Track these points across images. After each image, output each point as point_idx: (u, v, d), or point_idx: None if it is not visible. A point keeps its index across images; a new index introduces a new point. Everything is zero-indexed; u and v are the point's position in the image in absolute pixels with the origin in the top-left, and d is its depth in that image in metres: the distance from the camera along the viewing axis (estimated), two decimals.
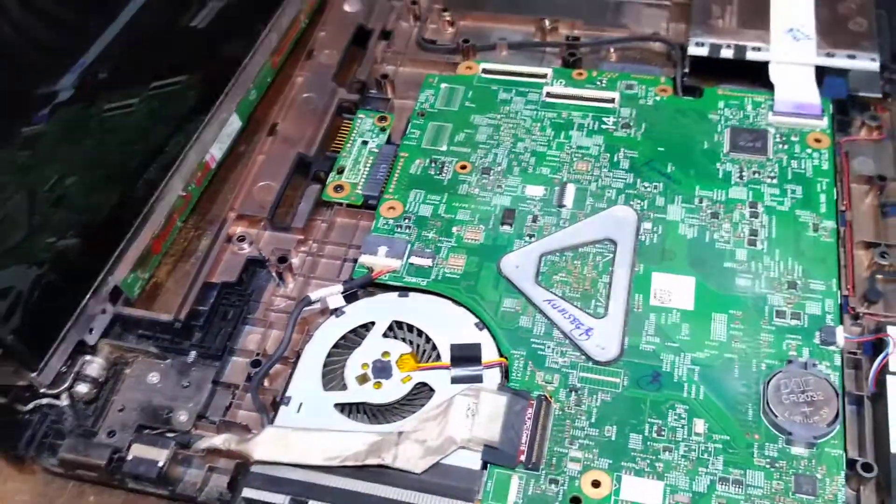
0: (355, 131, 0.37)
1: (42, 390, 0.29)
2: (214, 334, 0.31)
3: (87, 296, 0.30)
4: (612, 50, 0.39)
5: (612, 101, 0.36)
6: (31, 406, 0.29)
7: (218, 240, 0.33)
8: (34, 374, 0.28)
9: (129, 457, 0.28)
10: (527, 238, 0.32)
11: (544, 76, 0.37)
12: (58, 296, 0.29)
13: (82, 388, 0.29)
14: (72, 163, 0.31)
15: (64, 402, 0.29)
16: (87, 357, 0.30)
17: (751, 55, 0.36)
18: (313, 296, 0.30)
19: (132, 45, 0.33)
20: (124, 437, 0.28)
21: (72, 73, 0.32)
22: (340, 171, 0.35)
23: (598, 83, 0.37)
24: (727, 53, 0.36)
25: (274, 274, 0.32)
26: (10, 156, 0.29)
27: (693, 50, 0.37)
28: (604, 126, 0.35)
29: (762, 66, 0.36)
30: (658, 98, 0.36)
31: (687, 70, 0.36)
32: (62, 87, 0.31)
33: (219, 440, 0.27)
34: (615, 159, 0.34)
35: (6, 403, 0.28)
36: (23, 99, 0.29)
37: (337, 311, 0.30)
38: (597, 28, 0.40)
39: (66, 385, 0.29)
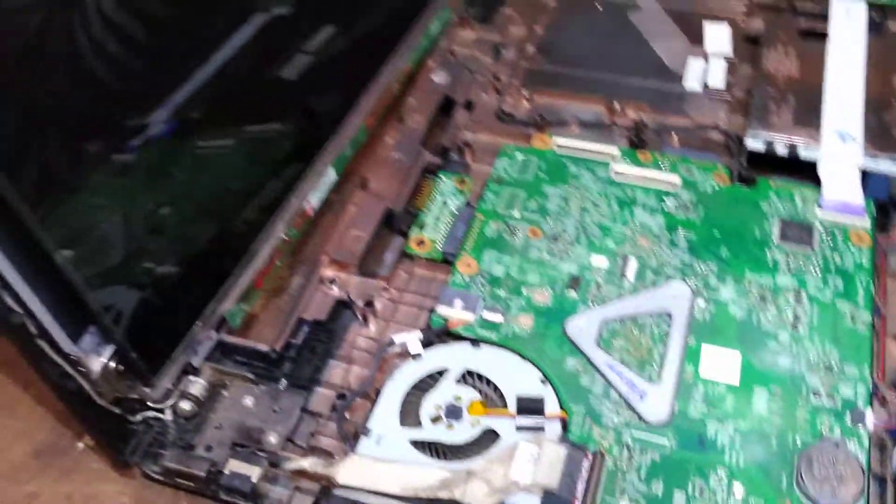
0: (437, 191, 0.40)
1: (151, 404, 0.33)
2: (304, 366, 0.34)
3: (198, 322, 0.33)
4: (674, 135, 0.43)
5: (674, 184, 0.40)
6: (139, 417, 0.33)
7: (311, 280, 0.37)
8: (147, 390, 0.32)
9: (226, 470, 0.31)
10: (590, 304, 0.35)
11: (612, 155, 0.41)
12: (174, 319, 0.33)
13: (185, 405, 0.33)
14: (165, 194, 0.34)
15: (168, 416, 0.33)
16: (192, 377, 0.33)
17: (802, 153, 0.39)
18: (396, 339, 0.34)
19: (229, 90, 0.36)
20: (220, 452, 0.32)
21: (166, 108, 0.35)
22: (422, 227, 0.39)
23: (661, 166, 0.40)
24: (781, 150, 0.40)
25: (359, 315, 0.36)
26: (104, 181, 0.31)
27: (750, 144, 0.40)
28: (665, 207, 0.39)
29: (812, 164, 0.39)
30: (715, 184, 0.39)
31: (743, 161, 0.40)
32: (155, 121, 0.35)
33: (306, 462, 0.31)
34: (674, 239, 0.37)
35: (119, 413, 0.32)
36: (118, 128, 0.31)
37: (414, 355, 0.34)
38: (662, 114, 0.44)
39: (171, 401, 0.33)
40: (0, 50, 0.26)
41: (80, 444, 0.35)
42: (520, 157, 0.42)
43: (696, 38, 0.48)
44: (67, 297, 0.29)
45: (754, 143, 0.40)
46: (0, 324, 0.27)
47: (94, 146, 0.30)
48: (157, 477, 0.32)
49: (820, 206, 0.38)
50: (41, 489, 0.33)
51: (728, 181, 0.40)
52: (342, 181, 0.40)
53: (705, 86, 0.45)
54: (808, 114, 0.41)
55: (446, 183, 0.41)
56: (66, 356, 0.29)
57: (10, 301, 0.27)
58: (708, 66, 0.46)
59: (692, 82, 0.45)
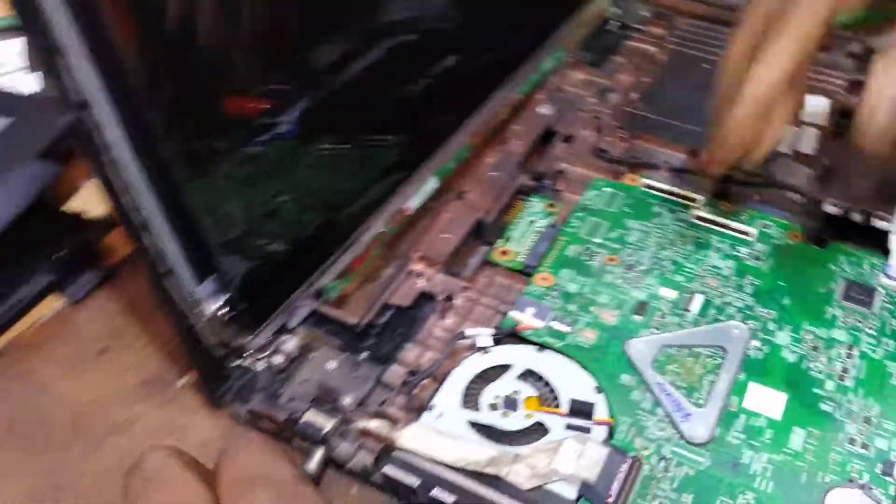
0: (526, 211, 0.44)
1: (249, 352, 0.37)
2: (384, 343, 0.38)
3: (300, 289, 0.38)
4: (757, 191, 0.45)
5: (750, 235, 0.42)
6: (237, 362, 0.37)
7: (401, 271, 0.41)
8: (250, 338, 0.36)
9: (303, 419, 0.35)
10: (653, 329, 0.38)
11: (695, 201, 0.44)
12: (279, 285, 0.38)
13: (277, 359, 0.37)
14: (285, 185, 0.39)
15: (261, 366, 0.37)
16: (286, 336, 0.38)
17: (876, 223, 0.41)
18: (468, 331, 0.38)
19: (353, 102, 0.41)
20: (300, 404, 0.36)
21: (294, 111, 0.40)
22: (507, 240, 0.43)
23: (741, 217, 0.43)
24: (856, 217, 0.42)
25: (439, 308, 0.40)
26: (232, 168, 0.35)
27: (828, 208, 0.42)
28: (738, 254, 0.41)
29: (884, 234, 0.41)
30: (789, 241, 0.42)
31: (819, 224, 0.42)
32: (284, 121, 0.40)
33: (373, 424, 0.34)
34: (741, 283, 0.40)
35: (221, 357, 0.37)
36: (250, 124, 0.35)
37: (484, 349, 0.37)
38: (749, 170, 0.46)
39: (266, 353, 0.37)
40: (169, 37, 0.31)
41: (182, 381, 0.39)
42: (608, 190, 0.45)
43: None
44: (198, 247, 0.33)
45: (833, 209, 0.42)
46: (140, 260, 0.32)
47: (231, 138, 0.35)
48: (243, 417, 0.37)
49: (886, 274, 0.40)
50: (141, 414, 0.38)
51: (802, 239, 0.42)
52: (441, 190, 0.44)
53: (795, 150, 0.47)
54: (888, 188, 0.43)
55: (536, 205, 0.45)
56: (189, 295, 0.34)
57: (154, 241, 0.32)
58: (801, 133, 0.48)
59: (783, 146, 0.47)
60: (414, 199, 0.43)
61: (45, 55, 0.27)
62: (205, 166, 0.33)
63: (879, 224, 0.41)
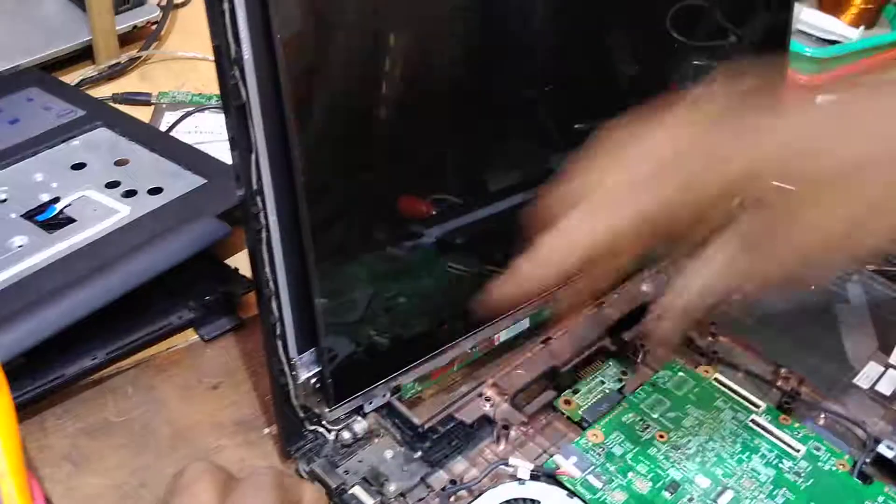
0: (601, 371, 0.49)
1: (324, 422, 0.43)
2: (439, 449, 0.43)
3: (381, 381, 0.44)
4: (822, 416, 0.47)
5: (798, 451, 0.44)
6: (313, 427, 0.43)
7: (472, 391, 0.46)
8: (327, 410, 0.43)
9: (350, 491, 0.41)
10: None
11: (758, 407, 0.47)
12: (367, 373, 0.44)
13: (346, 435, 0.43)
14: (408, 288, 0.45)
15: (331, 437, 0.43)
16: (359, 418, 0.44)
17: None
18: (511, 461, 0.42)
19: (490, 230, 0.47)
20: (352, 478, 0.42)
21: (447, 226, 0.46)
22: (575, 392, 0.47)
23: (796, 433, 0.45)
24: None
25: (495, 434, 0.45)
26: (374, 263, 0.42)
27: (883, 449, 0.44)
28: (780, 465, 0.44)
29: None
30: (835, 468, 0.44)
31: (868, 461, 0.44)
32: (434, 232, 0.46)
33: None
34: (774, 493, 0.42)
35: (302, 418, 0.43)
36: (406, 227, 0.43)
37: (520, 480, 0.42)
38: (820, 394, 0.49)
39: (339, 427, 0.43)
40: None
41: (266, 430, 0.46)
42: (681, 375, 0.49)
43: (887, 347, 0.52)
44: (310, 323, 0.40)
45: (887, 451, 0.44)
46: (262, 322, 0.39)
47: (383, 234, 0.42)
48: (304, 475, 0.43)
49: None
50: (227, 446, 0.45)
51: (847, 470, 0.44)
52: (530, 332, 0.50)
53: (872, 387, 0.49)
54: None
55: (611, 369, 0.49)
56: (289, 359, 0.40)
57: (274, 307, 0.39)
58: (884, 374, 0.50)
59: (863, 381, 0.50)
60: (505, 332, 0.49)
61: (240, 146, 0.35)
62: (347, 256, 0.40)
63: None
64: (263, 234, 0.37)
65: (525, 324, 0.50)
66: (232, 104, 0.34)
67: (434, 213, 0.44)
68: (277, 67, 0.34)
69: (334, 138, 0.37)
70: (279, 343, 0.40)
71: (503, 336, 0.49)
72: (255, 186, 0.36)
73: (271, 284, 0.38)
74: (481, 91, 0.43)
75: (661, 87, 0.54)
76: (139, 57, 0.76)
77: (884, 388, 0.49)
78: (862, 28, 0.78)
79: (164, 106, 0.71)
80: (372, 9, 0.37)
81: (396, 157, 0.41)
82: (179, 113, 0.69)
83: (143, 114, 0.70)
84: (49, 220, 0.52)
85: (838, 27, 0.78)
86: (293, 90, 0.34)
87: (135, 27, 0.77)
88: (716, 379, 0.48)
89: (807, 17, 0.78)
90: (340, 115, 0.37)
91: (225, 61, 0.33)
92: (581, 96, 0.48)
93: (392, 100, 0.39)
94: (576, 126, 0.47)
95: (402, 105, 0.39)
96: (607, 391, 0.47)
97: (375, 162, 0.40)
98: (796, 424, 0.46)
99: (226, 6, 0.32)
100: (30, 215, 0.52)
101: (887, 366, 0.51)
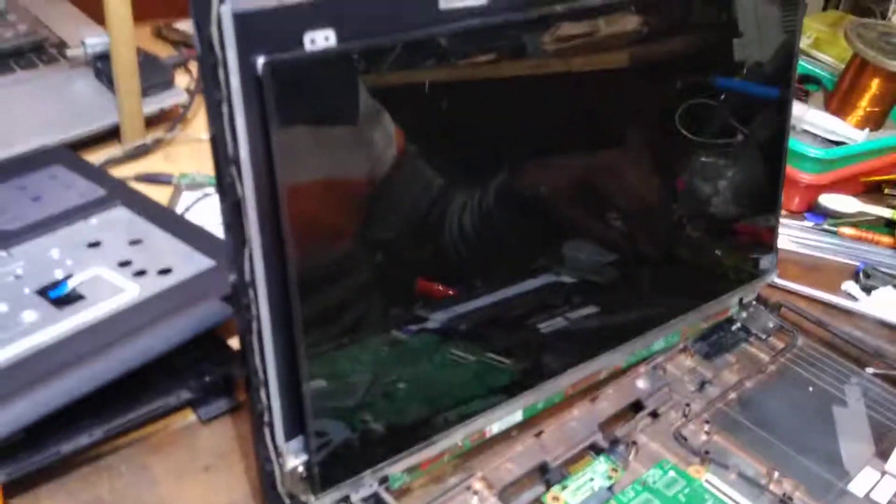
0: (591, 467, 0.49)
1: None
2: None
3: (369, 471, 0.44)
4: None
5: None
6: None
7: (460, 484, 0.47)
8: (314, 498, 0.43)
9: None
10: None
11: None
12: (354, 461, 0.44)
13: None
14: (408, 374, 0.46)
15: None
16: None
17: None
18: None
19: (496, 320, 0.48)
20: None
21: (451, 312, 0.47)
22: (563, 487, 0.47)
23: None
24: None
25: None
26: (378, 347, 0.43)
27: None
28: None
29: None
30: None
31: None
32: (438, 318, 0.47)
33: None
34: None
35: None
36: (410, 312, 0.44)
37: None
38: (814, 499, 0.48)
39: None
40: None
41: None
42: (672, 474, 0.48)
43: (884, 453, 0.52)
44: (298, 410, 0.41)
45: None
46: (251, 409, 0.40)
47: (373, 327, 0.43)
48: None
49: None
50: None
51: None
52: (523, 424, 0.50)
53: (867, 495, 0.49)
54: None
55: (601, 465, 0.49)
56: (276, 446, 0.41)
57: (263, 395, 0.40)
58: (880, 482, 0.50)
59: (858, 488, 0.49)
60: (496, 424, 0.49)
61: (234, 238, 0.36)
62: (337, 347, 0.41)
63: None
64: (254, 325, 0.38)
65: (518, 416, 0.50)
66: (228, 199, 0.35)
67: (427, 303, 0.45)
68: (273, 166, 0.35)
69: (327, 236, 0.39)
70: (267, 430, 0.41)
71: (495, 429, 0.49)
72: (247, 278, 0.37)
73: (261, 373, 0.39)
74: (479, 210, 0.45)
75: (667, 183, 0.56)
76: (164, 139, 0.79)
77: (879, 496, 0.49)
78: (867, 130, 0.79)
79: (183, 187, 0.73)
80: (369, 111, 0.38)
81: (389, 255, 0.42)
82: (198, 194, 0.72)
83: (163, 193, 0.72)
84: (60, 297, 0.54)
85: (844, 129, 0.79)
86: (289, 191, 0.36)
87: (162, 110, 0.80)
88: (707, 480, 0.48)
89: (813, 118, 0.80)
90: (335, 214, 0.39)
91: (222, 158, 0.35)
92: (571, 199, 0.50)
93: (386, 201, 0.40)
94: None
95: (397, 207, 0.41)
96: (596, 488, 0.47)
97: (367, 260, 0.41)
98: None
99: (224, 108, 0.34)
100: (42, 291, 0.54)
101: (883, 472, 0.50)
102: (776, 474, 0.49)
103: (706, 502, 0.47)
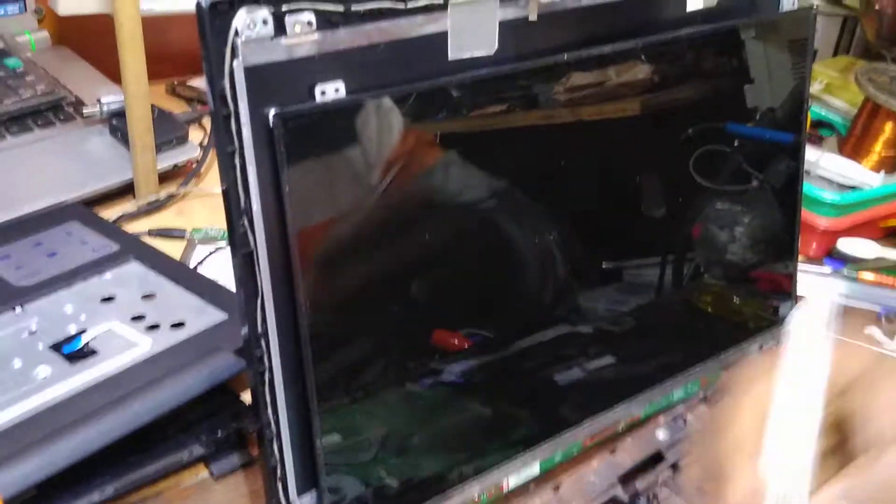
0: None
1: None
2: None
3: None
4: None
5: None
6: None
7: None
8: None
9: None
10: None
11: None
12: None
13: None
14: (424, 427, 0.45)
15: None
16: None
17: None
18: None
19: (513, 371, 0.48)
20: None
21: (470, 363, 0.46)
22: None
23: None
24: None
25: None
26: (384, 406, 0.43)
27: None
28: None
29: None
30: None
31: None
32: (454, 370, 0.46)
33: None
34: None
35: None
36: (424, 365, 0.44)
37: None
38: None
39: None
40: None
41: None
42: None
43: None
44: (311, 464, 0.40)
45: None
46: (263, 463, 0.40)
47: (386, 382, 0.42)
48: None
49: None
50: None
51: None
52: (540, 478, 0.49)
53: None
54: None
55: None
56: (288, 500, 0.40)
57: (275, 449, 0.39)
58: None
59: None
60: (513, 477, 0.48)
61: (246, 289, 0.36)
62: (350, 402, 0.41)
63: None
64: (266, 376, 0.38)
65: (535, 469, 0.49)
66: (240, 250, 0.35)
67: (441, 358, 0.44)
68: (285, 217, 0.35)
69: (340, 286, 0.39)
70: (279, 485, 0.40)
71: (511, 482, 0.48)
72: (259, 329, 0.37)
73: (273, 426, 0.38)
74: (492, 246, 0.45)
75: (683, 231, 0.56)
76: (177, 194, 0.80)
77: None
78: (882, 173, 0.78)
79: (196, 241, 0.73)
80: (380, 157, 0.39)
81: (403, 305, 0.42)
82: (210, 248, 0.72)
83: (177, 247, 0.72)
84: (73, 352, 0.53)
85: (859, 173, 0.79)
86: (301, 241, 0.36)
87: (175, 166, 0.81)
88: None
89: (827, 163, 0.79)
90: (348, 263, 0.39)
91: (234, 210, 0.35)
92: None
93: (397, 256, 0.40)
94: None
95: (409, 261, 0.41)
96: None
97: (381, 311, 0.41)
98: None
99: (236, 160, 0.34)
100: (56, 346, 0.54)
101: None
102: None
103: None
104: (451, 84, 0.39)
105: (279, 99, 0.34)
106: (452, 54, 0.40)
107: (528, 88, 0.43)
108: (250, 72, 0.33)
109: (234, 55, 0.32)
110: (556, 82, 0.44)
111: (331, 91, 0.35)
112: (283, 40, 0.34)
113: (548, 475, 0.50)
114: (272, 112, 0.34)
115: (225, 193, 0.35)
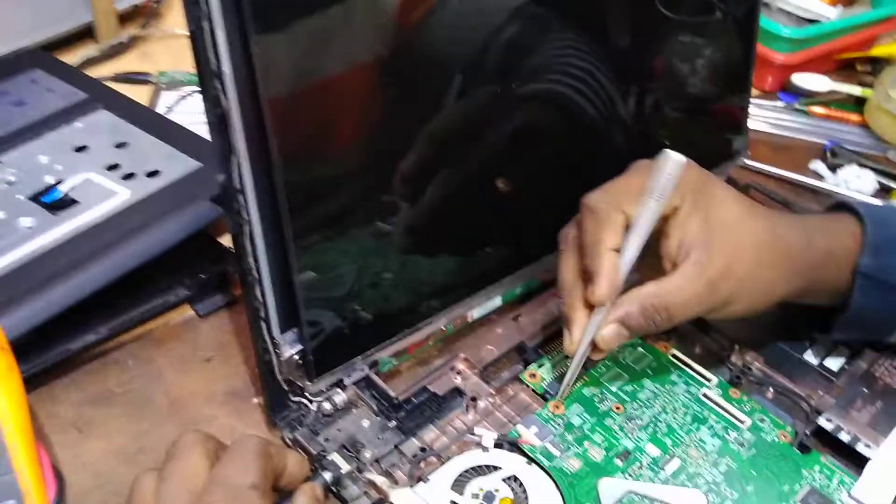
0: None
1: (307, 394, 0.47)
2: (412, 419, 0.47)
3: (360, 356, 0.48)
4: (771, 391, 0.51)
5: (744, 423, 0.48)
6: (297, 399, 0.47)
7: (445, 365, 0.50)
8: (310, 383, 0.46)
9: (329, 457, 0.45)
10: (627, 475, 0.45)
11: (710, 381, 0.50)
12: (346, 349, 0.47)
13: (326, 406, 0.47)
14: (394, 265, 0.49)
15: (314, 407, 0.47)
16: (339, 390, 0.48)
17: (860, 448, 0.46)
18: (477, 430, 0.46)
19: (470, 220, 0.51)
20: (331, 445, 0.46)
21: (430, 204, 0.50)
22: (540, 366, 0.51)
23: (743, 406, 0.49)
24: (845, 438, 0.47)
25: (465, 405, 0.49)
26: (363, 237, 0.46)
27: (822, 422, 0.48)
28: (726, 437, 0.47)
29: (864, 459, 0.46)
30: (777, 438, 0.47)
31: (808, 433, 0.48)
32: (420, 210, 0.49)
33: (378, 479, 0.44)
34: (718, 461, 0.46)
35: (286, 390, 0.47)
36: (390, 202, 0.46)
37: (484, 448, 0.46)
38: (773, 370, 0.52)
39: (320, 399, 0.47)
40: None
41: (255, 400, 0.50)
42: (640, 349, 0.52)
43: None
44: (291, 303, 0.44)
45: (826, 423, 0.48)
46: (246, 305, 0.43)
47: (359, 221, 0.45)
48: (288, 442, 0.47)
49: (850, 494, 0.45)
50: (219, 415, 0.49)
51: (788, 441, 0.47)
52: (502, 309, 0.54)
53: (821, 363, 0.53)
54: (886, 419, 0.48)
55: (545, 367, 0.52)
56: (272, 338, 0.44)
57: (258, 293, 0.42)
58: (833, 351, 0.54)
59: (811, 357, 0.53)
60: (477, 310, 0.53)
61: (222, 148, 0.38)
62: (324, 241, 0.43)
63: (863, 449, 0.47)
64: (246, 228, 0.40)
65: (497, 301, 0.54)
66: (214, 110, 0.37)
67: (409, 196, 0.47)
68: (255, 78, 0.37)
69: (311, 139, 0.41)
70: (263, 324, 0.44)
71: (476, 314, 0.53)
72: (237, 185, 0.39)
73: (254, 272, 0.42)
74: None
75: (646, 63, 0.57)
76: (139, 35, 0.79)
77: (831, 363, 0.53)
78: (840, 7, 0.80)
79: (162, 86, 0.74)
80: (343, 20, 0.40)
81: (370, 152, 0.44)
82: (178, 93, 0.73)
83: (143, 93, 0.73)
84: (54, 202, 0.55)
85: (817, 6, 0.80)
86: (272, 101, 0.37)
87: (135, 6, 0.79)
88: (673, 354, 0.52)
89: None
90: (318, 117, 0.41)
91: (206, 72, 0.36)
92: None
93: (368, 101, 0.42)
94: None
95: (380, 100, 0.43)
96: (570, 365, 0.51)
97: (349, 158, 0.43)
98: (745, 398, 0.50)
99: (205, 24, 0.35)
100: (35, 197, 0.56)
101: (836, 342, 0.54)
102: (736, 347, 0.53)
103: (671, 374, 0.51)
104: None
105: None
106: None
107: None
108: None
109: None
110: None
111: None
112: None
113: (508, 306, 0.54)
114: None
115: (196, 55, 0.36)
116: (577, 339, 0.46)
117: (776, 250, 0.47)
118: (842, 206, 0.52)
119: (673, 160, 0.44)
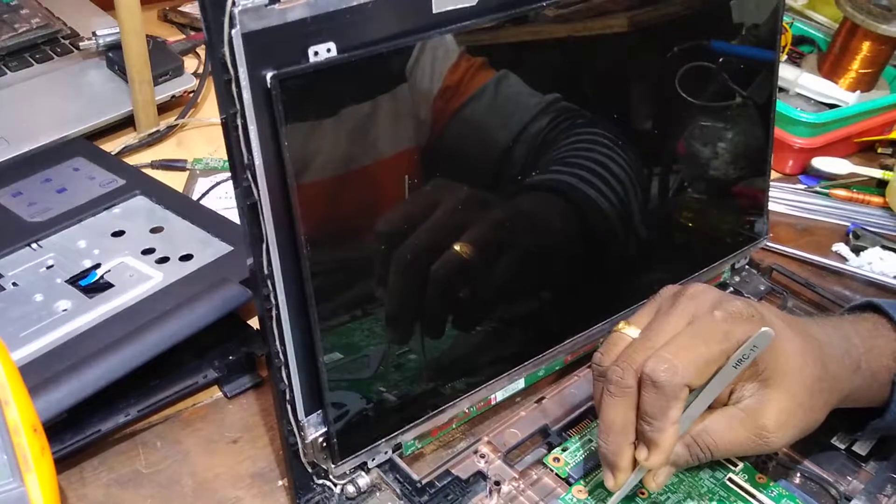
0: (591, 431, 0.52)
1: (331, 476, 0.47)
2: (435, 502, 0.47)
3: (384, 439, 0.48)
4: (798, 475, 0.50)
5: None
6: (321, 481, 0.48)
7: (469, 448, 0.50)
8: (333, 466, 0.47)
9: None
10: None
11: (735, 465, 0.50)
12: (372, 430, 0.48)
13: (350, 489, 0.47)
14: (417, 348, 0.50)
15: (337, 490, 0.48)
16: (362, 473, 0.48)
17: None
18: None
19: (507, 287, 0.52)
20: None
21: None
22: (564, 450, 0.51)
23: (769, 492, 0.49)
24: None
25: (488, 488, 0.49)
26: (380, 327, 0.47)
27: None
28: None
29: None
30: None
31: None
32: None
33: None
34: None
35: (310, 473, 0.47)
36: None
37: None
38: (797, 454, 0.51)
39: (344, 482, 0.48)
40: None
41: (280, 482, 0.50)
42: None
43: None
44: (317, 387, 0.45)
45: None
46: (273, 387, 0.44)
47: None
48: None
49: None
50: (244, 497, 0.49)
51: None
52: (525, 391, 0.54)
53: (849, 448, 0.52)
54: None
55: None
56: (297, 420, 0.45)
57: (284, 375, 0.43)
58: (860, 435, 0.53)
59: (839, 441, 0.53)
60: (501, 392, 0.53)
61: (251, 236, 0.40)
62: (350, 329, 0.44)
63: None
64: (273, 312, 0.41)
65: (521, 384, 0.54)
66: (245, 201, 0.39)
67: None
68: (285, 171, 0.39)
69: (337, 230, 0.42)
70: (288, 406, 0.44)
71: (499, 396, 0.53)
72: (265, 271, 0.40)
73: (281, 356, 0.43)
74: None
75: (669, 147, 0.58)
76: (177, 125, 0.82)
77: (859, 448, 0.52)
78: (858, 92, 0.81)
79: (197, 172, 0.76)
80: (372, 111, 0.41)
81: (395, 240, 0.45)
82: (212, 179, 0.75)
83: (179, 179, 0.76)
84: (90, 285, 0.57)
85: (835, 91, 0.81)
86: (300, 193, 0.39)
87: (173, 96, 0.83)
88: None
89: (805, 82, 0.82)
90: (343, 209, 0.42)
91: (238, 165, 0.38)
92: None
93: (396, 189, 0.44)
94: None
95: (405, 189, 0.44)
96: (594, 449, 0.51)
97: (375, 247, 0.44)
98: (771, 483, 0.49)
99: (238, 121, 0.37)
100: (73, 281, 0.58)
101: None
102: None
103: None
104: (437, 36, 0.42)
105: (275, 62, 0.37)
106: (437, 7, 0.42)
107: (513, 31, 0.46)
108: (248, 38, 0.35)
109: (231, 24, 0.35)
110: (538, 25, 0.46)
111: (323, 52, 0.38)
112: (277, 6, 0.36)
113: (532, 388, 0.55)
114: (269, 75, 0.36)
115: (229, 149, 0.38)
116: (621, 483, 0.45)
117: (823, 391, 0.46)
118: (870, 306, 0.52)
119: (768, 338, 0.43)
